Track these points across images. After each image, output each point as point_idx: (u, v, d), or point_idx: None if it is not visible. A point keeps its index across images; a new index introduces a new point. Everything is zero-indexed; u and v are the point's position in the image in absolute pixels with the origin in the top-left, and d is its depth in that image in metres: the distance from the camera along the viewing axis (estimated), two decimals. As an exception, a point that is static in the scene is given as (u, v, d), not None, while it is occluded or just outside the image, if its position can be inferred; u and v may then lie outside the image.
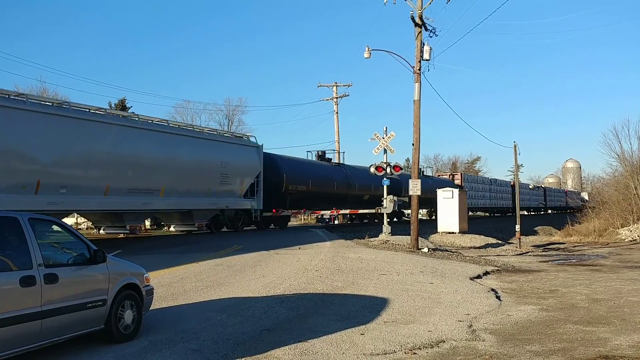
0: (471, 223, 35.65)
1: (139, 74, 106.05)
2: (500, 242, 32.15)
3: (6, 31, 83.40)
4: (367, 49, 22.75)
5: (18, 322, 5.70)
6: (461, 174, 59.99)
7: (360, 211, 36.16)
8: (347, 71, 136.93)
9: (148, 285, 8.09)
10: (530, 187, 72.21)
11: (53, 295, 6.17)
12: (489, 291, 12.63)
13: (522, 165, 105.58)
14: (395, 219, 40.64)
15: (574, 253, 27.51)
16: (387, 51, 23.11)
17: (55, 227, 7.16)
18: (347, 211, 36.38)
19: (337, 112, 49.23)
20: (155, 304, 8.99)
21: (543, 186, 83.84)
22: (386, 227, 25.18)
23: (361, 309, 9.89)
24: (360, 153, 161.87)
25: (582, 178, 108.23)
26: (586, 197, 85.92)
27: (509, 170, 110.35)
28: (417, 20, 21.69)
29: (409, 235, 22.38)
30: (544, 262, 21.52)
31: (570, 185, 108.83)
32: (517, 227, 31.80)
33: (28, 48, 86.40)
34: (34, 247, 6.13)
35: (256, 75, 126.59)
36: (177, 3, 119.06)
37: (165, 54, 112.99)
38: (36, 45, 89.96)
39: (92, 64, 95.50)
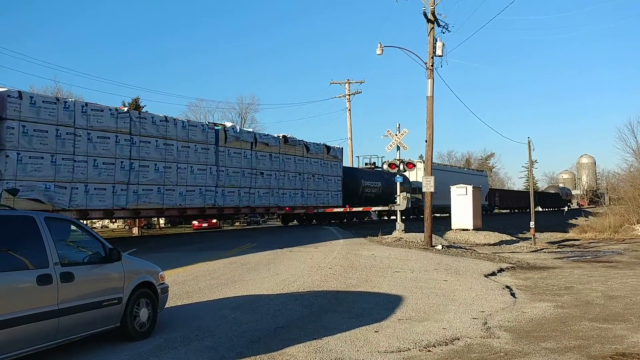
0: (486, 220, 35.50)
1: (152, 72, 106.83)
2: (514, 238, 32.00)
3: (21, 31, 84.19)
4: (379, 45, 22.72)
5: (35, 320, 5.76)
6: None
7: (373, 208, 36.03)
8: (360, 68, 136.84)
9: (163, 284, 8.14)
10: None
11: (69, 294, 6.23)
12: (503, 288, 12.57)
13: (536, 161, 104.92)
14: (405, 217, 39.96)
15: (589, 249, 27.26)
16: (400, 47, 23.06)
17: (71, 226, 7.22)
18: (360, 208, 36.28)
19: (349, 109, 49.16)
20: (170, 302, 9.06)
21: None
22: (399, 225, 25.12)
23: (375, 307, 9.88)
24: (373, 150, 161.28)
25: (597, 174, 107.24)
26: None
27: (522, 167, 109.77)
28: (430, 16, 21.60)
29: (423, 232, 22.31)
30: (558, 258, 21.36)
31: (585, 180, 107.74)
32: (532, 223, 31.59)
33: (41, 48, 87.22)
34: (50, 246, 6.18)
35: (268, 73, 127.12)
36: (190, 1, 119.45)
37: (178, 53, 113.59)
38: (49, 45, 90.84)
39: (105, 63, 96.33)
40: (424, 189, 22.28)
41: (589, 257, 22.24)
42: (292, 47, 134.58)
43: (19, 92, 16.02)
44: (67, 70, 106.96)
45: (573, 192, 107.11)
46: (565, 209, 79.46)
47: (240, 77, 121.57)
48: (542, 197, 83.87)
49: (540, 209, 77.96)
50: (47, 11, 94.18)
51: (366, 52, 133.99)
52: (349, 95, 49.15)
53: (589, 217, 49.97)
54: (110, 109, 18.86)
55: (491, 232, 31.69)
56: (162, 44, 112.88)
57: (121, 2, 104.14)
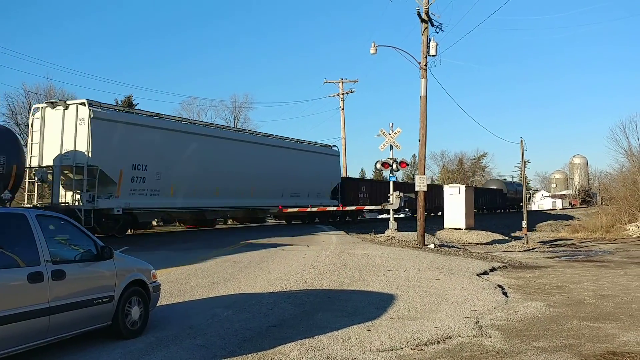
0: (478, 219, 35.61)
1: (146, 71, 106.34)
2: (507, 238, 32.13)
3: (14, 29, 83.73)
4: (373, 44, 22.76)
5: (26, 318, 5.73)
6: None
7: (366, 207, 35.99)
8: (353, 68, 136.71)
9: (155, 282, 8.11)
10: None
11: (61, 292, 6.20)
12: (495, 287, 12.61)
13: (529, 161, 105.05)
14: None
15: (580, 249, 27.38)
16: (393, 47, 23.11)
17: (62, 224, 7.18)
18: (354, 207, 36.26)
19: (343, 109, 49.12)
20: (162, 300, 9.03)
21: None
22: (392, 224, 25.18)
23: (367, 305, 9.89)
24: (367, 150, 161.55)
25: (589, 174, 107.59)
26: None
27: (515, 166, 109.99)
28: (424, 16, 21.65)
29: (416, 231, 22.36)
30: (550, 258, 21.45)
31: (577, 180, 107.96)
32: (524, 223, 31.70)
33: (35, 46, 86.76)
34: (41, 244, 6.15)
35: (262, 72, 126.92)
36: (183, 1, 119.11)
37: (172, 52, 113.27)
38: (43, 43, 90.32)
39: (98, 62, 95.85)
40: (417, 188, 22.31)
41: (581, 257, 22.34)
42: (287, 48, 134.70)
43: None
44: (60, 68, 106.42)
45: (565, 192, 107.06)
46: (559, 212, 77.02)
47: (235, 78, 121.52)
48: (475, 196, 66.48)
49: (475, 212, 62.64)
50: (43, 11, 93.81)
51: (360, 53, 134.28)
52: (343, 94, 49.15)
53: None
54: None
55: (483, 232, 31.84)
56: (159, 45, 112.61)
57: (118, 3, 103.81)
